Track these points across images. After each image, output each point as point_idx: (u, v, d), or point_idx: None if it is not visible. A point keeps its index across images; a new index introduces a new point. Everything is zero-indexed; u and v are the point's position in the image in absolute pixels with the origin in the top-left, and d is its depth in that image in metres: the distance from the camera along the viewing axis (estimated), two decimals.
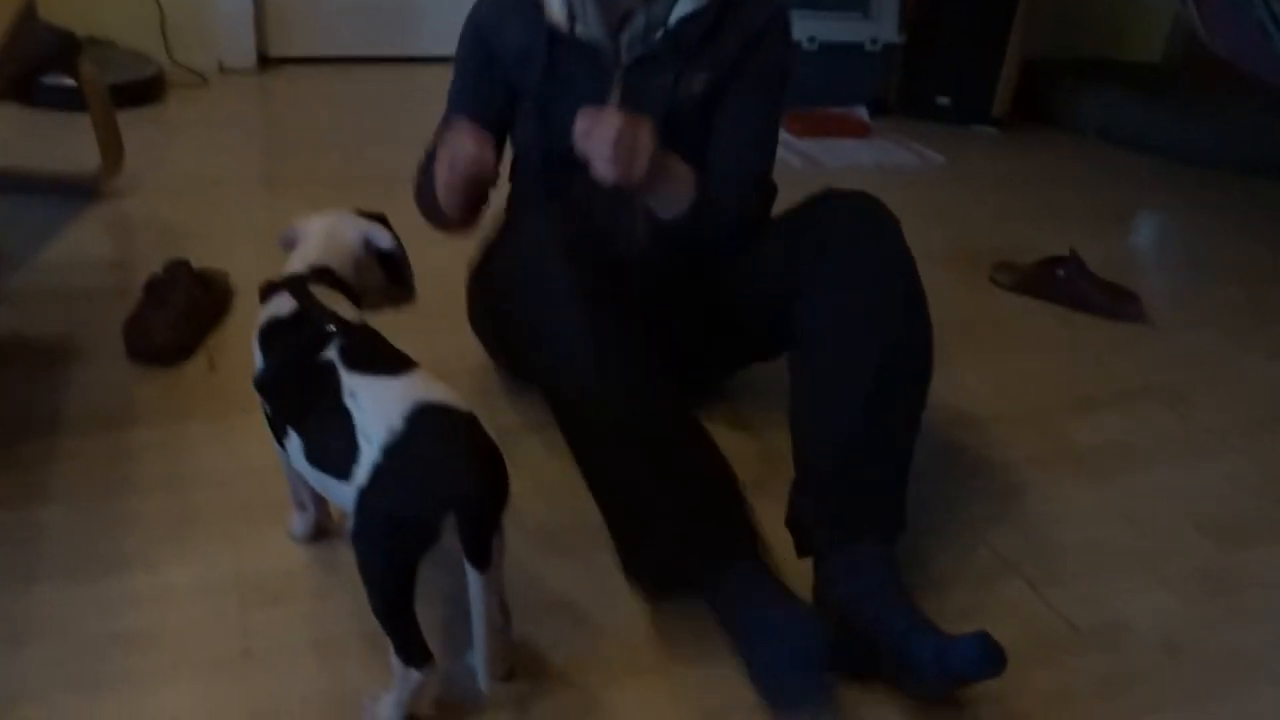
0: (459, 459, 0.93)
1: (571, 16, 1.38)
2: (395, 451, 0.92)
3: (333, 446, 0.97)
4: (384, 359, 1.03)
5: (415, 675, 0.97)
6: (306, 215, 1.22)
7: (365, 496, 0.93)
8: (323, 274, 1.14)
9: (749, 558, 1.16)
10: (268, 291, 1.13)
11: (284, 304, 1.10)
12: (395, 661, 0.97)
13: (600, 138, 1.20)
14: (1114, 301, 2.15)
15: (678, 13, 1.38)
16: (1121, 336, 2.09)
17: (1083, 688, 1.17)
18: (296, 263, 1.15)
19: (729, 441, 1.30)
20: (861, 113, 3.47)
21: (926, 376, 1.31)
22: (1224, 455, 1.69)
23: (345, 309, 1.11)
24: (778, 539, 1.24)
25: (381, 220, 1.23)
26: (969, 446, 1.63)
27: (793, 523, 1.26)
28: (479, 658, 0.97)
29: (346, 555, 1.24)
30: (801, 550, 1.24)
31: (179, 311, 1.64)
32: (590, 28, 1.38)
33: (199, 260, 1.77)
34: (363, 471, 0.93)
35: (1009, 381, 1.86)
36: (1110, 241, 2.67)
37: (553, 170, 1.46)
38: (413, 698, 0.99)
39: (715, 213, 1.39)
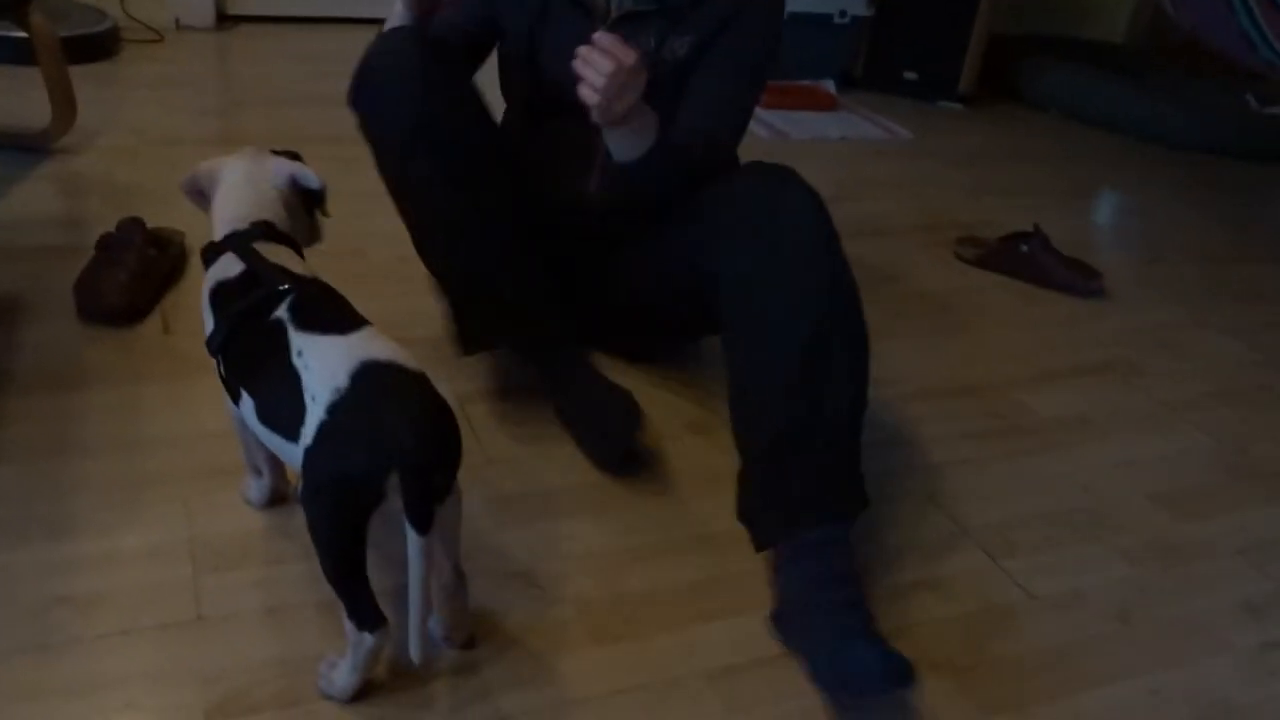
0: (403, 417, 0.90)
1: None
2: (340, 410, 0.90)
3: (282, 407, 0.95)
4: (333, 317, 1.01)
5: (368, 639, 0.96)
6: (212, 159, 1.19)
7: (311, 456, 0.91)
8: (264, 229, 1.11)
9: (571, 347, 1.46)
10: (210, 254, 1.11)
11: (231, 265, 1.07)
12: (348, 626, 0.96)
13: (598, 66, 1.18)
14: (1076, 277, 2.17)
15: None
16: (1082, 311, 2.11)
17: (1038, 655, 1.18)
18: (226, 216, 1.12)
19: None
20: (829, 85, 3.46)
21: (860, 348, 1.24)
22: (1179, 428, 1.71)
23: (293, 263, 1.09)
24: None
25: (297, 158, 1.21)
26: (930, 418, 1.63)
27: (742, 515, 1.23)
28: (412, 625, 0.93)
29: (302, 521, 1.23)
30: (756, 544, 1.21)
31: (132, 272, 1.60)
32: None
33: (153, 220, 1.73)
34: (309, 431, 0.91)
35: (970, 354, 1.87)
36: (1073, 218, 2.69)
37: (535, 114, 1.50)
38: (367, 662, 0.98)
39: (668, 166, 1.36)
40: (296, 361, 0.95)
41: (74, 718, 0.95)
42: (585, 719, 1.02)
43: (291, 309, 1.00)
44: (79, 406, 1.38)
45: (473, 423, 1.45)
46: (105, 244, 1.64)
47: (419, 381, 0.95)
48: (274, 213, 1.14)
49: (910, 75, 3.58)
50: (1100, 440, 1.65)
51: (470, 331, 1.48)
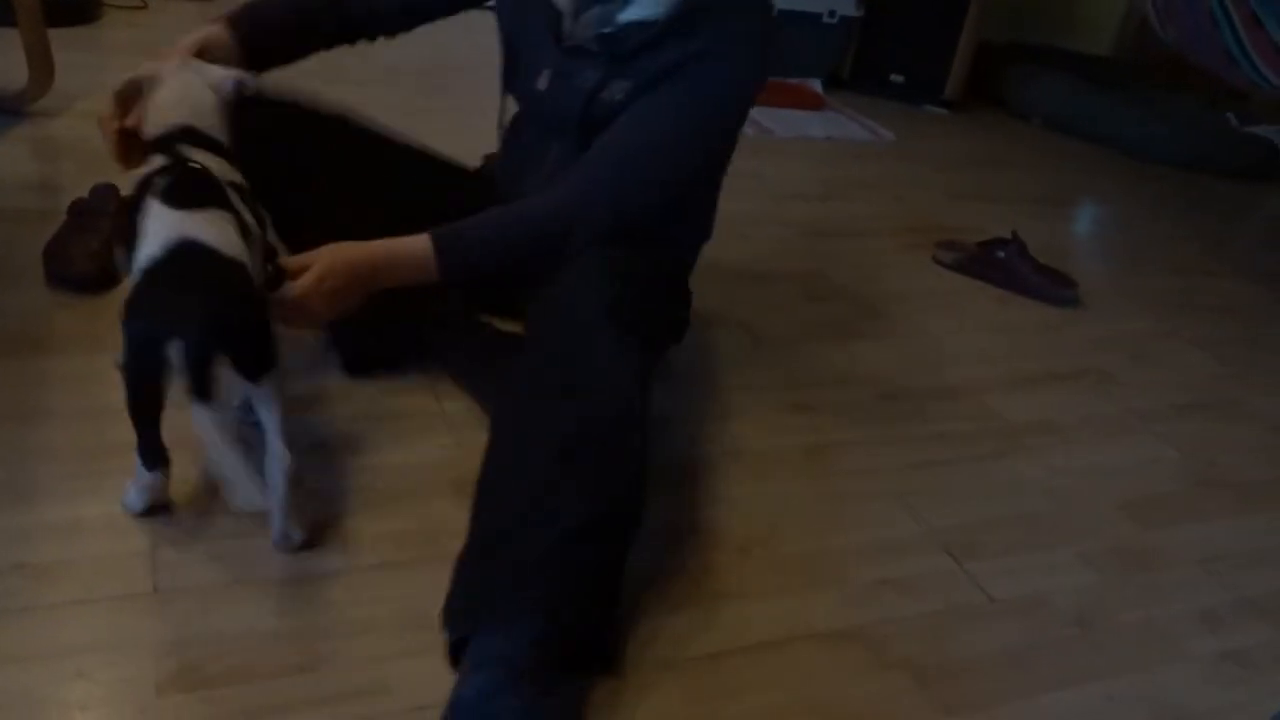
0: (189, 292, 0.98)
1: None
2: (145, 276, 0.99)
3: (130, 263, 1.04)
4: (192, 196, 1.06)
5: (146, 474, 1.11)
6: (152, 64, 1.21)
7: (122, 312, 0.98)
8: (185, 132, 1.15)
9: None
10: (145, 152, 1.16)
11: (155, 161, 1.12)
12: (137, 460, 1.10)
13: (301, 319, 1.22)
14: (1051, 284, 2.18)
15: (628, 14, 1.30)
16: (1056, 319, 2.12)
17: (997, 657, 1.19)
18: (154, 120, 1.16)
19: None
20: (815, 85, 3.47)
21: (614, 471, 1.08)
22: (1147, 438, 1.73)
23: (218, 166, 1.14)
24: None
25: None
26: (900, 418, 1.64)
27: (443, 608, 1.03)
28: (238, 478, 0.99)
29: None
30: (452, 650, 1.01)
31: (104, 239, 1.58)
32: None
33: (128, 187, 1.71)
34: (131, 289, 1.00)
35: (944, 357, 1.87)
36: (1051, 226, 2.71)
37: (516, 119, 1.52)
38: (149, 491, 1.13)
39: (554, 231, 1.27)
40: (142, 225, 1.03)
41: (24, 686, 0.94)
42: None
43: (166, 184, 1.06)
44: (45, 373, 1.36)
45: (448, 415, 1.45)
46: (78, 210, 1.62)
47: (226, 266, 1.02)
48: (206, 119, 1.18)
49: (897, 78, 3.59)
50: (1068, 447, 1.66)
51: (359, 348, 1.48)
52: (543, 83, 1.39)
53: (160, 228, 1.02)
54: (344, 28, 1.44)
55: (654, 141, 1.31)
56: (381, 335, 1.47)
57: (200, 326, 0.97)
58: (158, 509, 1.15)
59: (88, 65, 2.46)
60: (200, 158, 1.14)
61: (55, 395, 1.32)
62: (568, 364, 1.14)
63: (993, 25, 3.67)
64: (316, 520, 1.17)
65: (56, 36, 2.15)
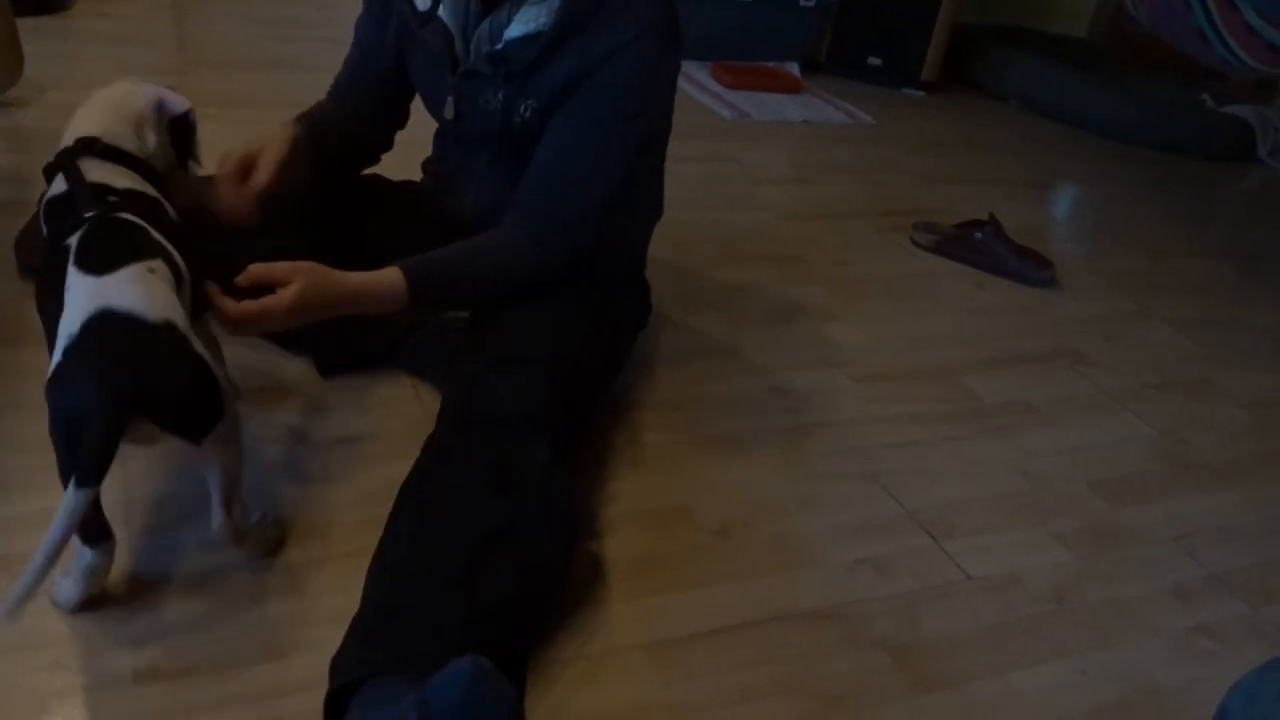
0: (100, 368, 0.90)
1: None
2: (66, 353, 0.91)
3: (55, 337, 0.96)
4: (110, 252, 0.98)
5: (88, 553, 0.99)
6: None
7: (47, 388, 0.91)
8: (88, 144, 1.10)
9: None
10: (47, 170, 1.10)
11: (59, 183, 1.08)
12: (75, 539, 0.96)
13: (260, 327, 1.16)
14: (1027, 265, 2.20)
15: (510, 32, 1.27)
16: (1032, 300, 2.14)
17: (973, 634, 1.20)
18: (67, 133, 1.12)
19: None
20: (793, 68, 3.46)
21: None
22: (1121, 417, 1.74)
23: (128, 181, 1.08)
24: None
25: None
26: (877, 399, 1.65)
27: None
28: (28, 576, 0.87)
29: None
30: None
31: None
32: (448, 15, 1.31)
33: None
34: (52, 365, 0.92)
35: (920, 338, 1.88)
36: (1028, 208, 2.72)
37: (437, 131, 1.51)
38: (87, 575, 1.00)
39: (519, 267, 1.31)
40: (66, 295, 0.95)
41: (1, 675, 0.94)
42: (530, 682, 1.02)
43: (81, 238, 0.99)
44: (18, 364, 1.35)
45: (425, 404, 1.45)
46: None
47: (146, 332, 0.93)
48: (123, 135, 1.12)
49: (874, 61, 3.60)
50: (1043, 427, 1.67)
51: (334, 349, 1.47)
52: (449, 111, 1.37)
53: (80, 298, 0.94)
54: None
55: (583, 161, 1.32)
56: (352, 336, 1.44)
57: (102, 405, 0.89)
58: (94, 601, 1.02)
59: (58, 55, 2.43)
60: (113, 172, 1.08)
61: (27, 386, 1.31)
62: (493, 462, 1.11)
63: (969, 8, 3.68)
64: (281, 530, 1.15)
65: (26, 26, 2.13)
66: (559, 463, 1.16)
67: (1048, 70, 3.64)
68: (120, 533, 1.10)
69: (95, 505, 0.96)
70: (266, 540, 1.12)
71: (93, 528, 0.98)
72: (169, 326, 0.94)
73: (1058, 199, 2.97)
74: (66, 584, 1.01)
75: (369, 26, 1.44)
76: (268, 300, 1.12)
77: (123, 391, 0.90)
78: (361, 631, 0.96)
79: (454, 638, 0.94)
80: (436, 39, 1.33)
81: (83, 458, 0.88)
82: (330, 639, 0.98)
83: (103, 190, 1.05)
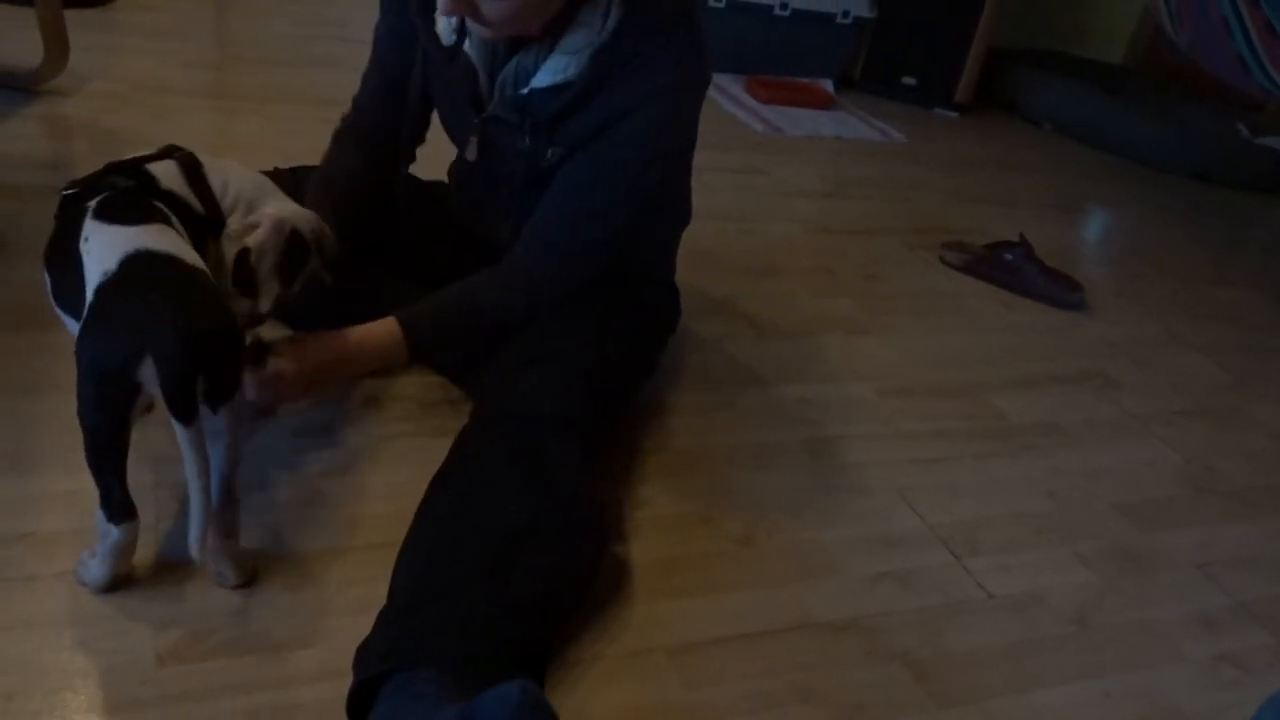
0: (161, 305, 0.88)
1: (463, 31, 1.27)
2: (103, 294, 0.89)
3: (70, 290, 0.95)
4: (132, 212, 0.98)
5: (114, 531, 0.97)
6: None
7: (79, 341, 0.90)
8: (190, 159, 1.13)
9: None
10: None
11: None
12: (99, 516, 0.96)
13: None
14: (1057, 287, 2.19)
15: (537, 81, 1.23)
16: (1061, 322, 2.13)
17: (994, 652, 1.19)
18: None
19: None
20: (827, 85, 3.47)
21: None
22: (1148, 441, 1.73)
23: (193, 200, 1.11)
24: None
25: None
26: (904, 414, 1.64)
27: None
28: (193, 518, 0.92)
29: (264, 460, 1.23)
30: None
31: None
32: (474, 52, 1.28)
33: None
34: (84, 317, 0.91)
35: (948, 356, 1.88)
36: (1058, 231, 2.71)
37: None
38: (114, 554, 0.99)
39: (513, 307, 1.32)
40: (82, 247, 0.95)
41: (25, 653, 0.95)
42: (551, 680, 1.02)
43: (100, 201, 0.99)
44: (52, 345, 1.37)
45: (452, 399, 1.45)
46: None
47: (191, 274, 0.92)
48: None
49: (908, 80, 3.59)
50: (1070, 448, 1.66)
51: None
52: (471, 153, 1.35)
53: (110, 243, 0.93)
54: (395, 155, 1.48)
55: (593, 201, 1.31)
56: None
57: (176, 340, 0.87)
58: (120, 582, 1.02)
59: (101, 47, 2.46)
60: (170, 182, 1.10)
61: (61, 367, 1.31)
62: (526, 461, 1.12)
63: (1004, 30, 3.67)
64: (254, 565, 1.09)
65: (73, 17, 2.16)
66: (588, 463, 1.16)
67: (1082, 95, 3.62)
68: (148, 516, 1.11)
69: (121, 483, 0.96)
70: (244, 569, 1.06)
71: (118, 506, 0.97)
72: (205, 274, 0.94)
73: (1088, 222, 2.95)
74: (94, 564, 1.01)
75: (389, 41, 1.40)
76: (270, 369, 1.17)
77: (189, 315, 0.88)
78: (389, 623, 0.97)
79: (482, 634, 0.95)
80: (461, 76, 1.30)
81: (171, 393, 0.86)
82: (353, 628, 0.98)
83: (152, 183, 1.06)
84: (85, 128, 2.03)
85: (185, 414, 0.88)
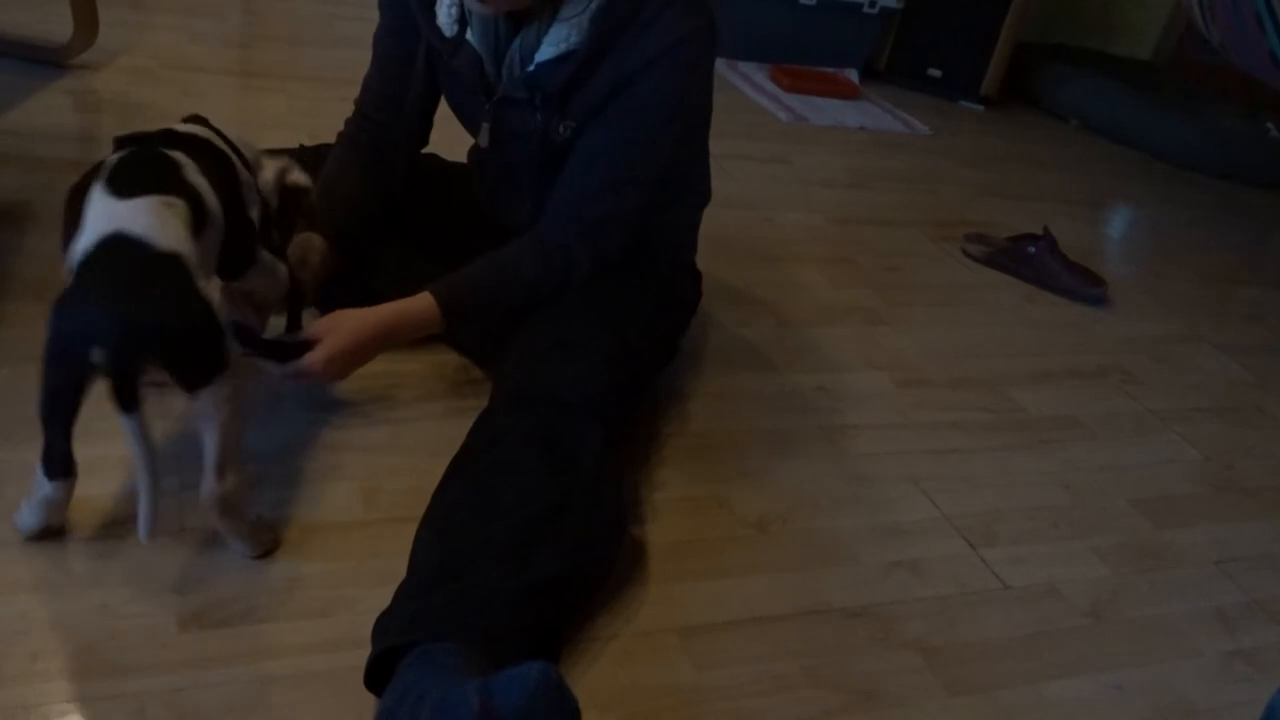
0: (108, 295, 0.90)
1: (464, 21, 1.29)
2: (77, 272, 0.91)
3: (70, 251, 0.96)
4: (137, 180, 0.98)
5: (47, 486, 1.00)
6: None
7: (53, 304, 0.91)
8: (202, 120, 1.14)
9: None
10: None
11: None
12: (38, 468, 1.00)
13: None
14: (1080, 282, 2.18)
15: (541, 54, 1.24)
16: (1082, 317, 2.12)
17: (1007, 643, 1.20)
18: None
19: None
20: (852, 75, 3.45)
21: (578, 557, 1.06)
22: (1167, 438, 1.72)
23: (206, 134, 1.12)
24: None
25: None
26: (922, 405, 1.64)
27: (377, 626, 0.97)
28: (140, 506, 0.93)
29: (283, 445, 1.24)
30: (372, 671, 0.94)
31: None
32: (476, 40, 1.29)
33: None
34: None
35: (968, 348, 1.87)
36: (1083, 226, 2.69)
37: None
38: (44, 507, 1.02)
39: (549, 280, 1.32)
40: (87, 209, 0.96)
41: (49, 616, 0.96)
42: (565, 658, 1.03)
43: (117, 160, 1.00)
44: None
45: (473, 377, 1.46)
46: None
47: (159, 261, 0.92)
48: (242, 143, 1.18)
49: (934, 72, 3.57)
50: (1088, 442, 1.65)
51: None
52: (484, 139, 1.36)
53: (98, 218, 0.94)
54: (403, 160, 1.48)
55: (614, 169, 1.32)
56: None
57: (122, 332, 0.89)
58: (52, 532, 1.04)
59: (131, 23, 2.48)
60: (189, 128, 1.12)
61: None
62: (549, 443, 1.12)
63: (1032, 25, 3.64)
64: (275, 534, 1.11)
65: None
66: (611, 446, 1.17)
67: (1109, 91, 3.60)
68: (171, 484, 1.13)
69: (66, 440, 0.98)
70: (260, 540, 1.08)
71: (56, 463, 0.99)
72: (175, 258, 0.94)
73: (1112, 219, 2.93)
74: (25, 512, 1.03)
75: (389, 43, 1.41)
76: (310, 357, 1.18)
77: (138, 311, 0.90)
78: (411, 597, 0.98)
79: (502, 611, 0.96)
80: (467, 65, 1.31)
81: (114, 380, 0.89)
82: (372, 599, 0.99)
83: (169, 133, 1.08)
84: (113, 102, 2.05)
85: (124, 403, 0.89)
